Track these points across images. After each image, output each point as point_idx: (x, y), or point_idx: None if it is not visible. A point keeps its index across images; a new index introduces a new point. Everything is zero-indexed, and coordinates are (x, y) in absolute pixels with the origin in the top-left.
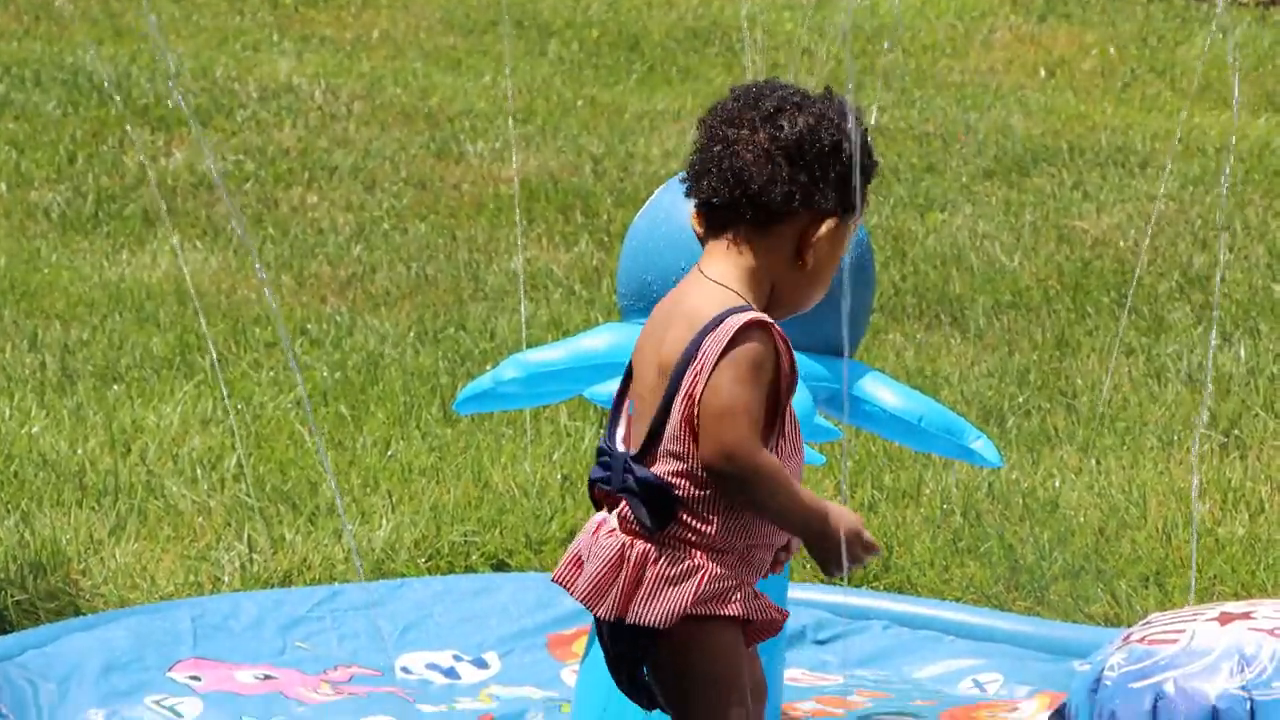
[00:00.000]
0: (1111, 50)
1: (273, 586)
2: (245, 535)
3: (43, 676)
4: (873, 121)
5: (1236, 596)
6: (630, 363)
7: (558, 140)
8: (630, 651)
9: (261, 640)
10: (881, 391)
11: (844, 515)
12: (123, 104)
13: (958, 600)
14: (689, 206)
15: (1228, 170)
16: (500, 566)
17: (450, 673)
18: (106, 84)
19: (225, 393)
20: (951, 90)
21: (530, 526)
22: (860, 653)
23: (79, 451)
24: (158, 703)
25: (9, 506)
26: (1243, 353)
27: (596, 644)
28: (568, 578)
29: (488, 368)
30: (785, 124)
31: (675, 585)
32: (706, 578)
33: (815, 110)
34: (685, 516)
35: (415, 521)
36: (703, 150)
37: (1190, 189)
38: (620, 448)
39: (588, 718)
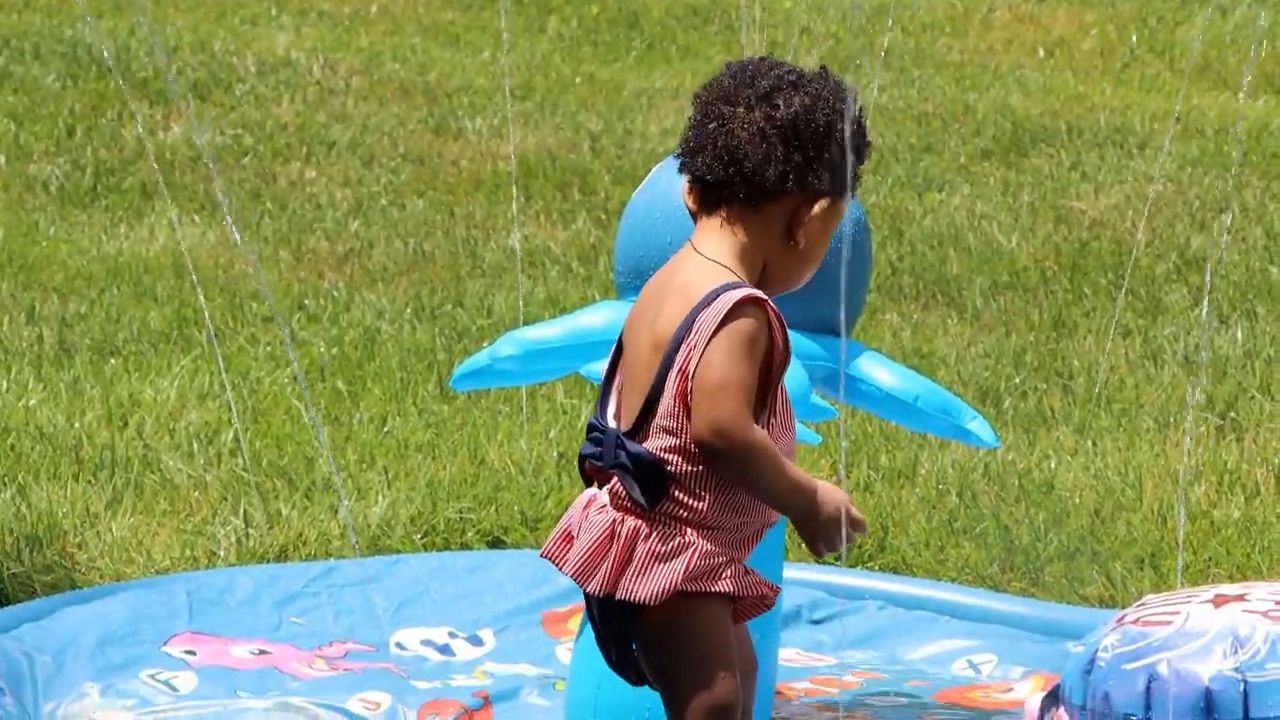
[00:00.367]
0: (1111, 30)
1: (268, 562)
2: (241, 510)
3: (38, 650)
4: (872, 100)
5: (1231, 579)
6: (620, 339)
7: (556, 117)
8: (620, 628)
9: (257, 615)
10: (878, 371)
11: (833, 493)
12: (121, 77)
13: (953, 581)
14: (683, 182)
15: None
16: (496, 544)
17: (445, 649)
18: (106, 56)
19: (222, 367)
20: (950, 70)
21: (526, 504)
22: (855, 633)
23: (76, 425)
24: (153, 676)
25: (5, 480)
26: (1240, 335)
27: None
28: (557, 553)
29: (485, 344)
30: (781, 103)
31: (666, 562)
32: (697, 554)
33: (811, 90)
34: (677, 493)
35: (411, 498)
36: (697, 127)
37: (1189, 170)
38: (611, 424)
39: (582, 695)
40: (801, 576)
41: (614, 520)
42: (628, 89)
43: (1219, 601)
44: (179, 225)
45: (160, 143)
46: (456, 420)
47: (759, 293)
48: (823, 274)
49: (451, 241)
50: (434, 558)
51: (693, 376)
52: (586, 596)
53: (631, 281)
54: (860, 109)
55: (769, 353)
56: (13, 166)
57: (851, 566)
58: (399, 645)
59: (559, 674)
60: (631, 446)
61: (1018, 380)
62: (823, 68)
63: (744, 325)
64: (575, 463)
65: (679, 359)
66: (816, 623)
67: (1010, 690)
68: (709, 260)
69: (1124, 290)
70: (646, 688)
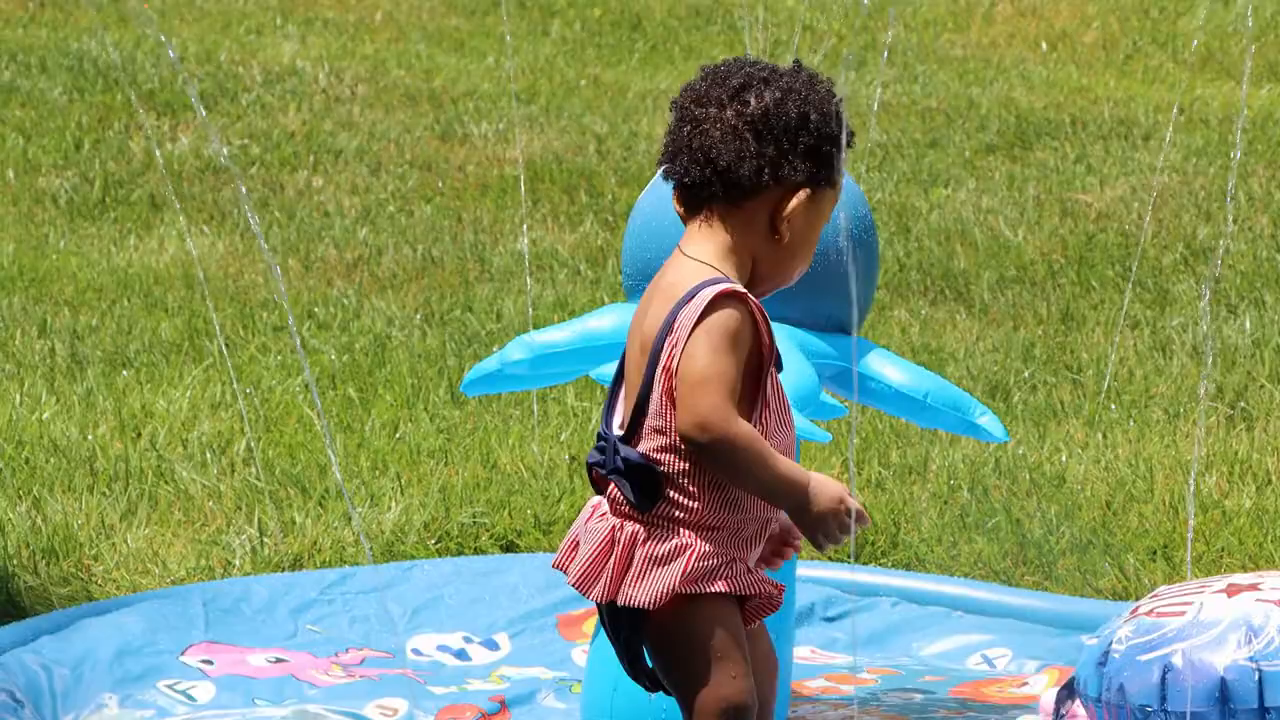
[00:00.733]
0: (1113, 22)
1: (283, 570)
2: (256, 519)
3: (56, 662)
4: (876, 97)
5: (1244, 568)
6: (625, 345)
7: (561, 120)
8: (629, 634)
9: (273, 623)
10: (887, 368)
11: (828, 486)
12: (129, 89)
13: (966, 576)
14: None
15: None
16: (509, 548)
17: (461, 654)
18: (115, 61)
19: (234, 377)
20: (954, 65)
21: (538, 507)
22: (869, 630)
23: (89, 437)
24: (170, 686)
25: (21, 493)
26: (1248, 324)
27: None
28: (565, 562)
29: (494, 349)
30: (752, 99)
31: (663, 566)
32: (694, 556)
33: (782, 84)
34: (672, 493)
35: (424, 504)
36: (674, 131)
37: (1193, 160)
38: (616, 431)
39: (598, 698)
40: (815, 574)
41: (614, 526)
42: (632, 91)
43: (1232, 591)
44: (188, 236)
45: (168, 154)
46: (468, 425)
47: (738, 286)
48: (830, 272)
49: (460, 246)
50: (448, 563)
51: (676, 373)
52: (598, 605)
53: (639, 284)
54: (837, 100)
55: (755, 348)
56: (22, 180)
57: (864, 563)
58: (415, 651)
59: (575, 677)
60: (625, 450)
61: (1027, 374)
62: (796, 62)
63: (723, 318)
64: (586, 466)
65: (663, 357)
66: (830, 620)
67: (1025, 684)
68: (693, 260)
69: (1131, 282)
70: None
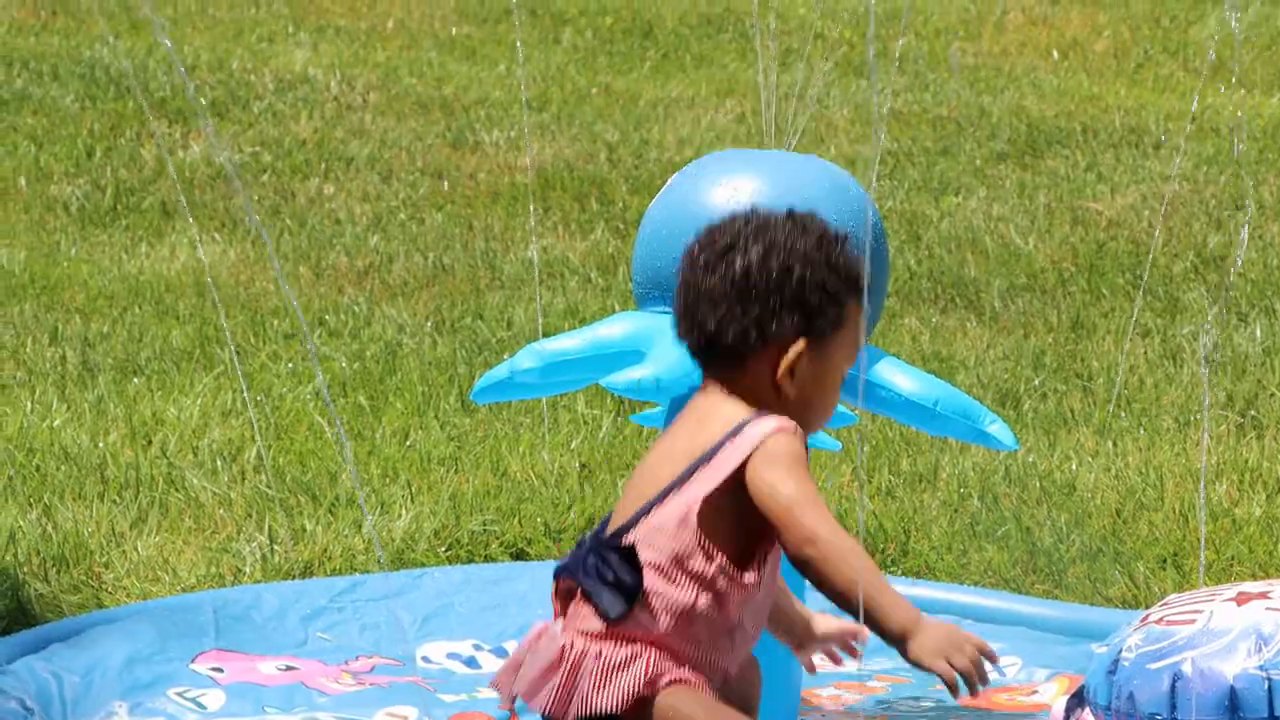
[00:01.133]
0: (1124, 31)
1: (294, 577)
2: (266, 527)
3: (66, 669)
4: (887, 105)
5: (1254, 577)
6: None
7: (573, 128)
8: None
9: (283, 631)
10: (897, 376)
11: (935, 620)
12: (140, 97)
13: (976, 584)
14: (703, 199)
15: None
16: (520, 555)
17: (471, 662)
18: (127, 69)
19: (244, 384)
20: (965, 73)
21: (549, 515)
22: (879, 638)
23: (100, 445)
24: (181, 694)
25: (31, 500)
26: (1259, 333)
27: None
28: (504, 681)
29: (505, 357)
30: (737, 260)
31: (624, 670)
32: (653, 659)
33: (767, 239)
34: (638, 611)
35: (435, 511)
36: (676, 294)
37: (1204, 169)
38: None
39: None
40: None
41: (563, 645)
42: (643, 99)
43: (1242, 599)
44: (200, 243)
45: (180, 161)
46: (478, 433)
47: (790, 422)
48: None
49: (471, 254)
50: (458, 571)
51: (700, 500)
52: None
53: (650, 291)
54: (839, 239)
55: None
56: (33, 188)
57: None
58: (425, 659)
59: None
60: (608, 553)
61: (1037, 382)
62: (789, 210)
63: (787, 443)
64: (598, 473)
65: (690, 481)
66: None
67: (1035, 693)
68: (725, 400)
69: (1142, 290)
70: None
